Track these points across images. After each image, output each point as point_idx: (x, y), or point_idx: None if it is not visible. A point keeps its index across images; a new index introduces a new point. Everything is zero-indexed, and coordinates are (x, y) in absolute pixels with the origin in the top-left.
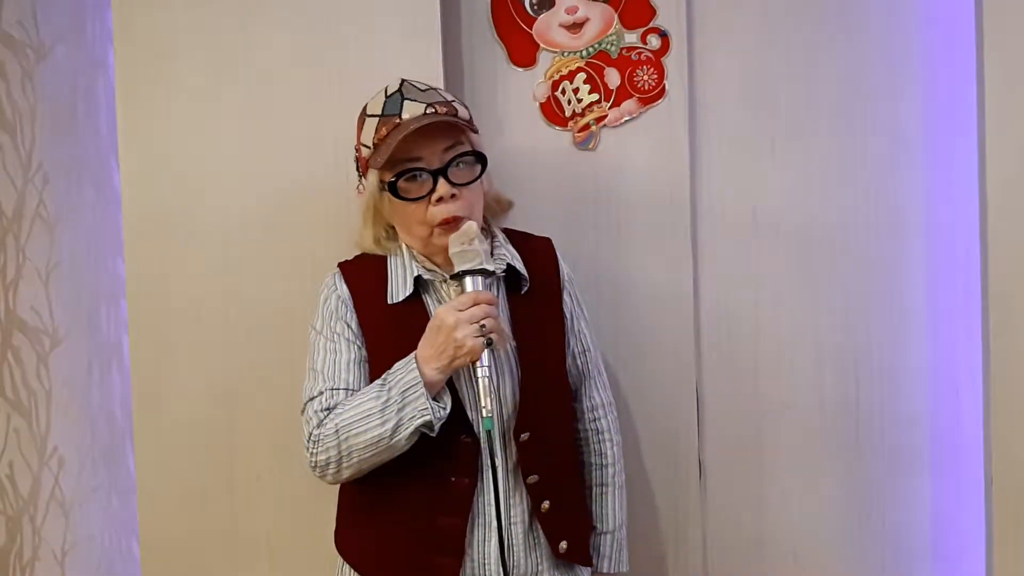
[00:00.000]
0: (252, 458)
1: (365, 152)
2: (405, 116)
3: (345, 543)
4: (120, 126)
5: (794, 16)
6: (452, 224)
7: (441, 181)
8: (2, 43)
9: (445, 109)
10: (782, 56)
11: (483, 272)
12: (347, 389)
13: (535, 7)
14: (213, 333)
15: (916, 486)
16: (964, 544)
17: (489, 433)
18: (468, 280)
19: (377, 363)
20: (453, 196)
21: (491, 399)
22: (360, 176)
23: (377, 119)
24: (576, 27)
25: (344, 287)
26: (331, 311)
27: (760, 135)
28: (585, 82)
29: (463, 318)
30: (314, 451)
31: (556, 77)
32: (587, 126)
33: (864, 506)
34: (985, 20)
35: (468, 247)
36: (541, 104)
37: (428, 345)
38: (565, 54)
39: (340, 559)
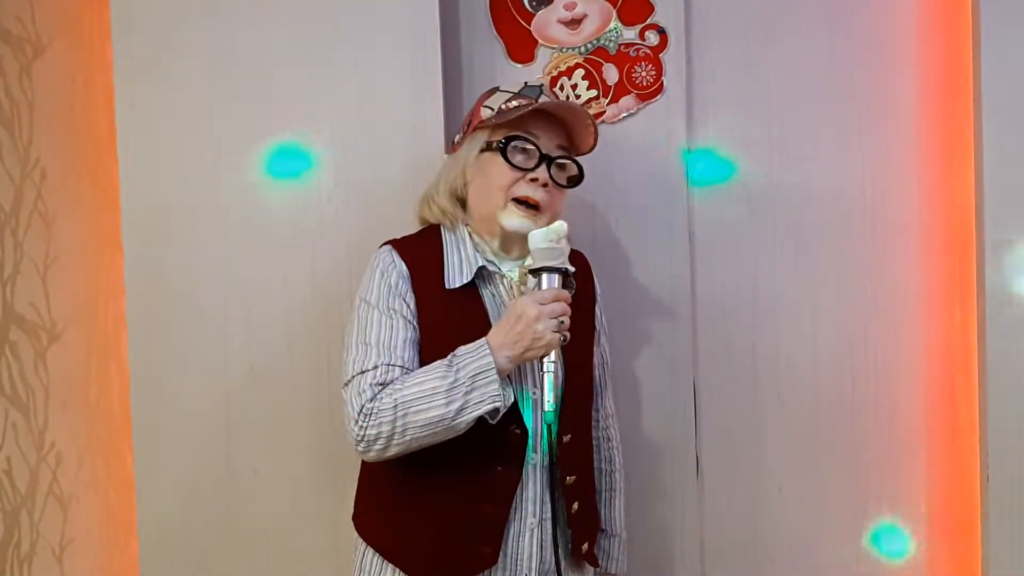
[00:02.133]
0: (249, 453)
1: (485, 113)
2: (542, 101)
3: (371, 528)
4: (118, 121)
5: (791, 13)
6: (530, 209)
7: (543, 167)
8: (0, 38)
9: (579, 111)
10: (779, 52)
11: (563, 272)
12: (403, 367)
13: (534, 3)
14: (211, 328)
15: (911, 480)
16: (960, 537)
17: (549, 427)
18: (546, 277)
19: (427, 346)
20: (546, 185)
21: (554, 394)
22: (459, 137)
23: (511, 94)
24: (574, 23)
25: (403, 264)
26: (389, 286)
27: (757, 131)
28: (583, 78)
29: (545, 311)
30: (364, 424)
31: (554, 73)
32: None
33: (860, 500)
34: (983, 15)
35: (556, 245)
36: None
37: (504, 333)
38: (563, 50)
39: (362, 545)
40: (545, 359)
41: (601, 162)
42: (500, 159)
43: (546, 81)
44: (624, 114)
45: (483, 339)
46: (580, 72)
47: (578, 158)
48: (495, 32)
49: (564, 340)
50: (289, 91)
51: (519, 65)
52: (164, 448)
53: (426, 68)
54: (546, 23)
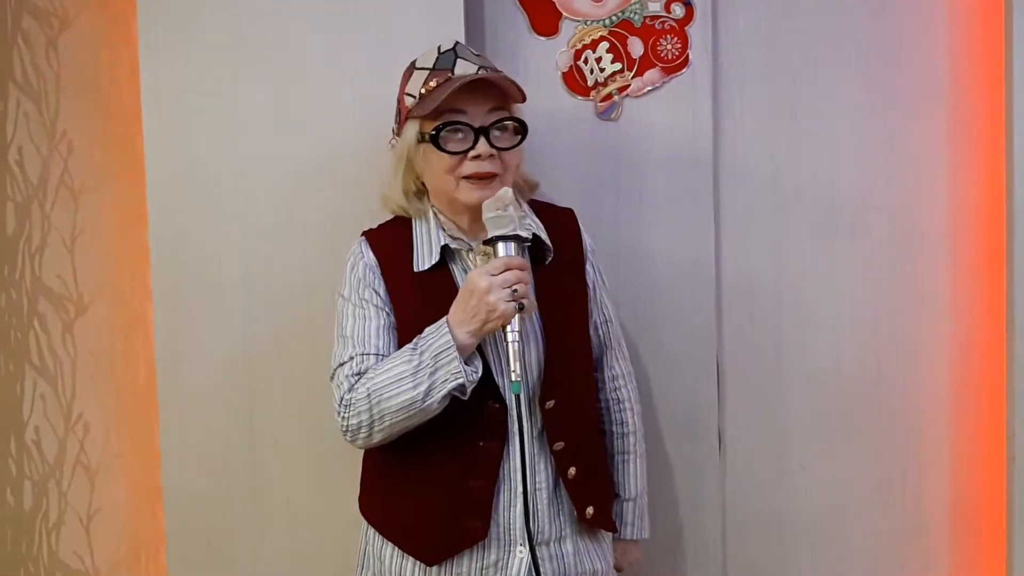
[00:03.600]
0: (271, 423)
1: (409, 102)
2: (457, 72)
3: (371, 508)
4: (143, 95)
5: None
6: (481, 182)
7: (482, 140)
8: (27, 11)
9: (496, 74)
10: (806, 24)
11: (516, 239)
12: (377, 354)
13: None
14: (235, 301)
15: (936, 458)
16: (984, 516)
17: (517, 397)
18: (500, 246)
19: (404, 330)
20: (491, 156)
21: (520, 363)
22: (396, 128)
23: (427, 72)
24: None
25: (371, 254)
26: (359, 278)
27: (784, 105)
28: (608, 51)
29: (496, 282)
30: (346, 415)
31: (579, 46)
32: (610, 96)
33: (883, 477)
34: (1015, 11)
35: (503, 212)
36: (563, 73)
37: (460, 309)
38: (588, 23)
39: (364, 523)
40: (507, 330)
41: (625, 136)
42: (436, 149)
43: (459, 47)
44: (649, 88)
45: (444, 319)
46: (604, 45)
47: (518, 107)
48: (518, 4)
49: (520, 308)
50: (312, 62)
51: (543, 38)
52: (188, 419)
53: (449, 38)
54: None
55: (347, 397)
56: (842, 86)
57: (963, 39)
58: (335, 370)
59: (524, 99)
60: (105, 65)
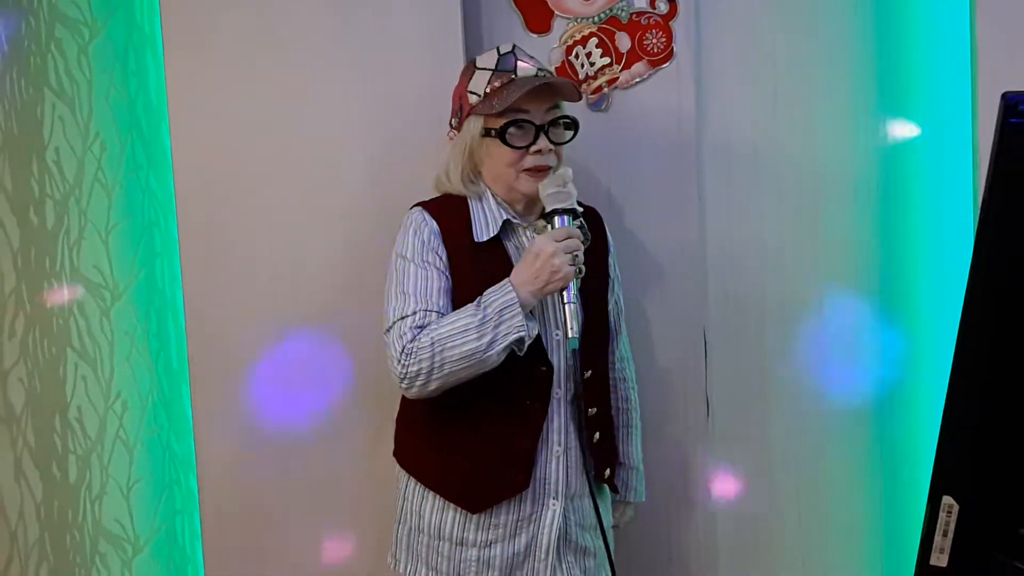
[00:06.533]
0: (297, 396)
1: (472, 99)
2: (520, 74)
3: (411, 458)
4: (169, 95)
5: None
6: (539, 173)
7: (542, 136)
8: (59, 22)
9: (557, 78)
10: (783, 17)
11: (572, 212)
12: (438, 312)
13: None
14: (261, 284)
15: (912, 417)
16: None
17: (571, 355)
18: (558, 219)
19: (459, 295)
20: (549, 151)
21: (576, 322)
22: (456, 123)
23: (490, 72)
24: None
25: (434, 222)
26: (423, 241)
27: (762, 92)
28: (597, 46)
29: (560, 247)
30: (406, 363)
31: (570, 42)
32: (600, 88)
33: (864, 439)
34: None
35: (563, 189)
36: (556, 68)
37: (525, 270)
38: (578, 20)
39: (404, 476)
40: (565, 291)
41: (615, 125)
42: (501, 144)
43: (515, 49)
44: (637, 79)
45: (506, 279)
46: (594, 40)
47: (570, 105)
48: (513, 4)
49: (580, 273)
50: (323, 57)
51: (536, 35)
52: (219, 396)
53: (448, 39)
54: None
55: (410, 346)
56: (817, 71)
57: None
58: (395, 323)
59: (580, 98)
60: (133, 69)
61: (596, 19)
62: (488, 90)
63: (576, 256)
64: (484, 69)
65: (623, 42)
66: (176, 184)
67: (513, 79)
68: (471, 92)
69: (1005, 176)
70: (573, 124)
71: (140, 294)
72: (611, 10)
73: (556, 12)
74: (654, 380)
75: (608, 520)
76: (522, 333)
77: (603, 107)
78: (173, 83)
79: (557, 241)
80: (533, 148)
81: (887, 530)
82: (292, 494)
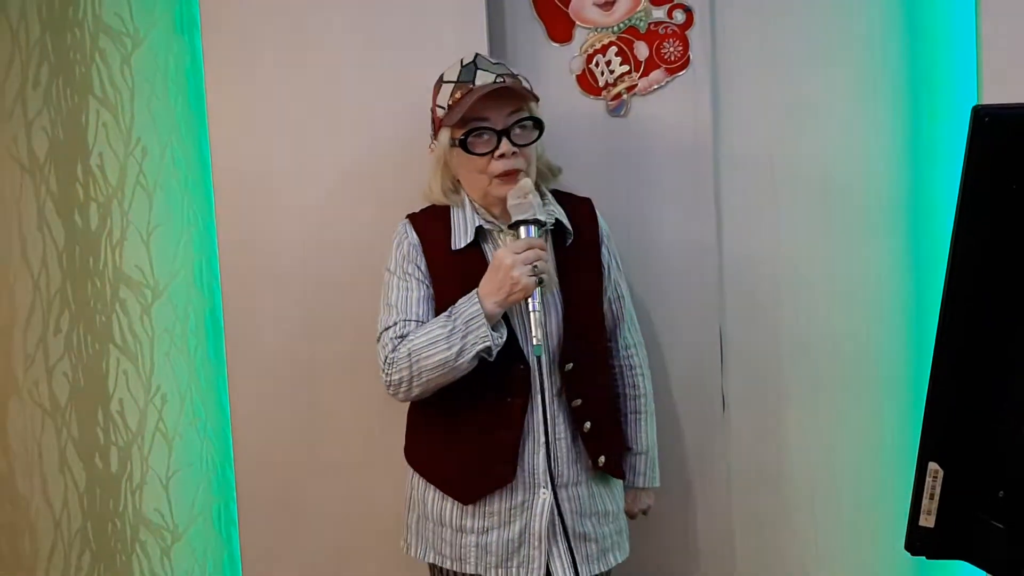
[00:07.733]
0: (328, 394)
1: (440, 112)
2: (478, 83)
3: (415, 456)
4: (208, 102)
5: None
6: (509, 177)
7: (504, 140)
8: (103, 33)
9: (512, 80)
10: (799, 25)
11: (536, 222)
12: (417, 320)
13: None
14: (294, 285)
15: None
16: None
17: (539, 359)
18: (522, 229)
19: (441, 301)
20: (514, 154)
21: (540, 330)
22: (433, 135)
23: (453, 84)
24: (608, 5)
25: (414, 234)
26: (403, 255)
27: (777, 99)
28: (617, 55)
29: (519, 259)
30: (389, 372)
31: (590, 51)
32: (619, 95)
33: (879, 435)
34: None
35: (524, 200)
36: (577, 76)
37: (488, 282)
38: (598, 30)
39: (410, 471)
40: (530, 299)
41: (634, 130)
42: (464, 152)
43: (480, 58)
44: (655, 86)
45: (475, 290)
46: (614, 49)
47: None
48: (536, 15)
49: (541, 283)
50: (354, 73)
51: (558, 45)
52: (255, 390)
53: (473, 48)
54: (582, 5)
55: (391, 356)
56: (833, 79)
57: (948, 40)
58: (380, 333)
59: (537, 99)
60: (173, 78)
61: (616, 29)
62: (451, 102)
63: (536, 267)
64: (448, 82)
65: (641, 51)
66: (215, 188)
67: (471, 88)
68: (438, 105)
69: (974, 190)
70: (537, 124)
71: (179, 292)
72: (630, 20)
73: (577, 22)
74: (672, 377)
75: (615, 506)
76: (488, 343)
77: (622, 113)
78: (212, 90)
79: (516, 253)
80: (496, 153)
81: (901, 525)
82: (321, 483)
